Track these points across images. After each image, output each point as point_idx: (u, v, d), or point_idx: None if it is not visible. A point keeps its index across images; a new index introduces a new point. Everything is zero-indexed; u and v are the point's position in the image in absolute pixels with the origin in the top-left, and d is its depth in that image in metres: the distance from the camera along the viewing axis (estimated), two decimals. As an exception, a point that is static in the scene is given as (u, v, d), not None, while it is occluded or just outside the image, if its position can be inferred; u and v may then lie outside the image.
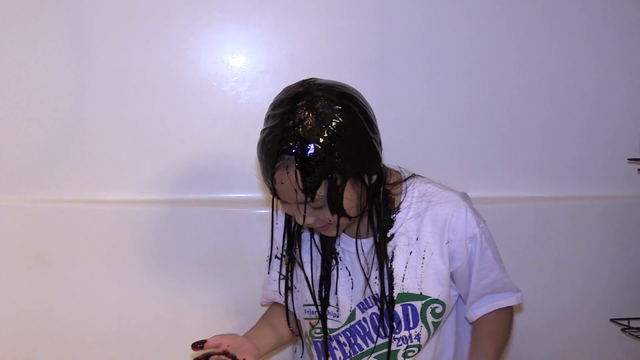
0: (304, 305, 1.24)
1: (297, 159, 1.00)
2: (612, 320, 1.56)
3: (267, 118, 1.07)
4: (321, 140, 1.01)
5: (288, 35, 1.53)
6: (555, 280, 1.56)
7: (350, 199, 1.07)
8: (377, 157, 1.08)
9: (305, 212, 1.05)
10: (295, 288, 1.25)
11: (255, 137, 1.50)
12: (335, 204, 1.05)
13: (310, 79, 1.09)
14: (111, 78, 1.51)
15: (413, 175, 1.21)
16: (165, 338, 1.50)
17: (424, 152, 1.57)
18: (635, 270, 1.59)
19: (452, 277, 1.22)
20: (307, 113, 1.02)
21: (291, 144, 1.01)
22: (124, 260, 1.51)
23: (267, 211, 1.49)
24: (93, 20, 1.49)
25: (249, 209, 1.51)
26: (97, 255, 1.50)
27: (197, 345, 1.15)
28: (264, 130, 1.06)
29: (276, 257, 1.30)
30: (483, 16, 1.55)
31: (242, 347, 1.18)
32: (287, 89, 1.08)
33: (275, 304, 1.35)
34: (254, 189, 1.55)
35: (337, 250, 1.20)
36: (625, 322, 1.54)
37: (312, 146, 1.00)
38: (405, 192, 1.18)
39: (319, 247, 1.20)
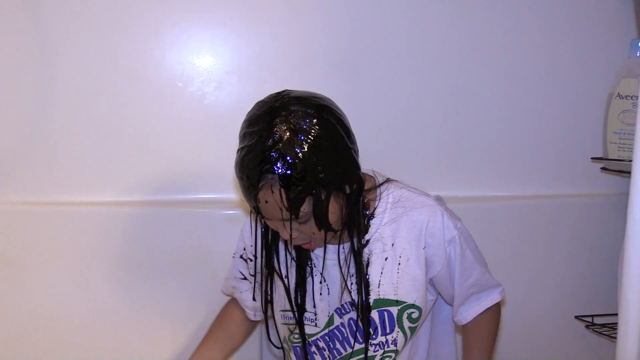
0: (282, 310, 1.23)
1: (280, 177, 0.99)
2: (577, 317, 1.59)
3: (244, 136, 1.04)
4: (302, 156, 1.00)
5: (255, 36, 1.52)
6: (520, 277, 1.58)
7: (334, 212, 1.07)
8: (357, 166, 1.09)
9: (291, 229, 1.04)
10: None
11: (222, 137, 1.52)
12: (321, 219, 1.04)
13: (284, 91, 1.07)
14: (77, 79, 1.49)
15: (387, 180, 1.21)
16: (135, 339, 1.49)
17: (398, 152, 1.57)
18: (599, 268, 1.61)
19: (431, 282, 1.22)
20: (285, 129, 1.00)
21: (273, 162, 0.99)
22: (93, 262, 1.49)
23: (234, 212, 1.49)
24: (57, 21, 1.47)
25: (216, 209, 1.51)
26: (64, 258, 1.49)
27: None
28: (242, 149, 1.03)
29: (241, 257, 1.30)
30: (457, 15, 1.55)
31: None
32: (262, 105, 1.06)
33: (225, 310, 1.37)
34: (222, 190, 1.54)
35: (311, 257, 1.20)
36: (589, 319, 1.56)
37: (294, 163, 0.99)
38: (380, 198, 1.18)
39: (294, 254, 1.19)
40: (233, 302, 1.38)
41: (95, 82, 1.50)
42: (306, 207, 1.03)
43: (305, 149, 1.00)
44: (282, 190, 1.00)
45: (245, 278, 1.31)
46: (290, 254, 1.19)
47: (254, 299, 1.30)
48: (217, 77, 1.52)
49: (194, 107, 1.52)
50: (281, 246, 1.20)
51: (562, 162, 1.62)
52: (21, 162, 1.50)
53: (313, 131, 1.01)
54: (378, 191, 1.18)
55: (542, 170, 1.62)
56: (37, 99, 1.49)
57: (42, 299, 1.49)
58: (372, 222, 1.17)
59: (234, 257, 1.32)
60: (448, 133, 1.59)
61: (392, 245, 1.17)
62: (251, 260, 1.27)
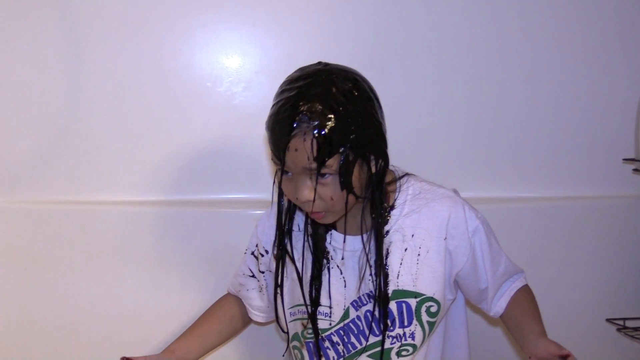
0: (295, 305, 1.23)
1: (314, 127, 1.01)
2: (608, 320, 1.57)
3: (282, 92, 1.06)
4: (338, 112, 1.02)
5: (283, 36, 1.53)
6: (550, 280, 1.56)
7: (357, 177, 1.08)
8: (385, 142, 1.10)
9: (317, 182, 1.05)
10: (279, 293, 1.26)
11: (250, 137, 1.53)
12: (345, 179, 1.05)
13: (322, 62, 1.10)
14: (106, 79, 1.50)
15: (406, 174, 1.22)
16: (161, 338, 1.50)
17: (421, 151, 1.57)
18: (631, 270, 1.59)
19: (455, 281, 1.22)
20: (324, 86, 1.03)
21: (310, 112, 1.01)
22: (119, 261, 1.50)
23: (262, 212, 1.49)
24: (87, 21, 1.49)
25: (244, 209, 1.51)
26: (92, 257, 1.50)
27: None
28: (278, 101, 1.05)
29: (252, 253, 1.30)
30: (481, 16, 1.55)
31: None
32: (302, 68, 1.09)
33: (217, 305, 1.37)
34: (250, 190, 1.55)
35: (327, 249, 1.20)
36: (621, 322, 1.54)
37: (330, 117, 1.01)
38: (400, 190, 1.19)
39: (311, 246, 1.20)
40: (228, 299, 1.38)
41: (125, 83, 1.51)
42: (333, 163, 1.04)
43: (342, 107, 1.02)
44: (314, 140, 1.01)
45: (253, 276, 1.31)
46: (310, 247, 1.19)
47: (259, 290, 1.31)
48: (245, 77, 1.52)
49: (222, 107, 1.53)
50: (299, 237, 1.20)
51: (593, 164, 1.60)
52: (48, 162, 1.52)
53: (350, 94, 1.04)
54: (398, 184, 1.19)
55: (572, 171, 1.60)
56: (66, 99, 1.51)
57: (69, 297, 1.51)
58: (392, 213, 1.17)
59: (245, 253, 1.33)
60: (473, 134, 1.58)
61: (412, 236, 1.17)
62: (262, 255, 1.28)
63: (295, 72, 1.09)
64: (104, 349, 1.51)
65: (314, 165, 1.03)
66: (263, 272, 1.30)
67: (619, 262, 1.59)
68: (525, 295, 1.25)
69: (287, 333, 1.25)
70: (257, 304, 1.34)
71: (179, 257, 1.50)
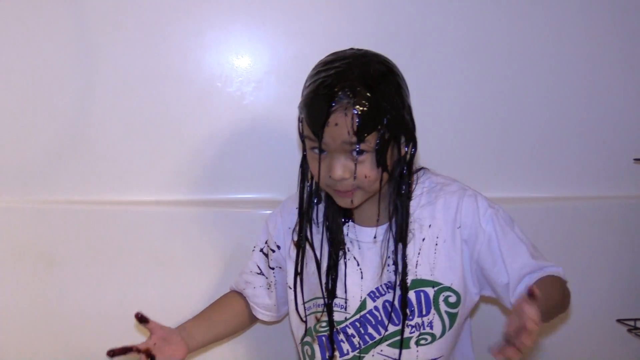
0: (308, 300, 1.24)
1: (356, 103, 1.04)
2: (618, 320, 1.56)
3: (318, 72, 1.09)
4: (377, 91, 1.05)
5: (293, 36, 1.53)
6: (561, 280, 1.56)
7: (389, 157, 1.10)
8: (414, 126, 1.13)
9: (357, 158, 1.07)
10: (290, 288, 1.26)
11: (261, 137, 1.53)
12: (382, 156, 1.08)
13: (353, 47, 1.15)
14: (116, 79, 1.51)
15: (422, 168, 1.26)
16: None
17: (425, 151, 1.55)
18: (642, 271, 1.59)
19: (479, 272, 1.20)
20: (364, 67, 1.07)
21: (351, 88, 1.04)
22: (129, 261, 1.51)
23: (270, 212, 1.48)
24: (99, 22, 1.49)
25: (254, 209, 1.51)
26: (103, 256, 1.50)
27: (142, 318, 1.18)
28: (315, 80, 1.08)
29: (261, 250, 1.31)
30: (488, 16, 1.54)
31: (171, 348, 1.21)
32: (336, 52, 1.13)
33: (228, 296, 1.38)
34: (260, 190, 1.55)
35: (344, 241, 1.21)
36: (632, 323, 1.54)
37: (370, 95, 1.05)
38: (417, 182, 1.22)
39: (328, 238, 1.21)
40: (233, 294, 1.38)
41: (135, 83, 1.51)
42: (371, 140, 1.06)
43: (379, 87, 1.06)
44: (355, 115, 1.04)
45: (261, 273, 1.32)
46: (328, 239, 1.20)
47: (267, 288, 1.31)
48: (256, 77, 1.53)
49: (232, 107, 1.53)
50: (316, 230, 1.21)
51: (604, 163, 1.60)
52: (61, 161, 1.52)
53: (386, 76, 1.08)
54: (415, 177, 1.22)
55: (583, 171, 1.60)
56: (78, 98, 1.51)
57: (81, 297, 1.51)
58: (410, 204, 1.18)
59: (253, 250, 1.34)
60: (489, 134, 1.58)
61: (429, 226, 1.19)
62: (274, 251, 1.29)
63: (329, 55, 1.13)
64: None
65: (354, 139, 1.05)
66: (273, 269, 1.31)
67: (630, 262, 1.59)
68: (550, 278, 1.15)
69: (306, 322, 1.25)
70: (264, 302, 1.34)
71: (189, 257, 1.51)
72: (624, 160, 1.59)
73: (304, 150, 1.15)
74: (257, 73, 1.53)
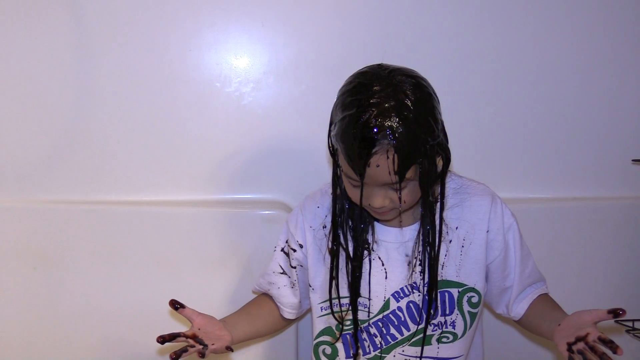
0: (327, 300, 1.23)
1: (396, 143, 1.02)
2: (617, 321, 1.56)
3: (350, 103, 1.05)
4: (415, 123, 1.03)
5: (292, 36, 1.53)
6: (558, 281, 1.55)
7: (429, 179, 1.10)
8: (447, 138, 1.13)
9: (400, 194, 1.07)
10: (312, 288, 1.26)
11: (259, 138, 1.53)
12: (426, 184, 1.08)
13: (382, 64, 1.10)
14: (115, 79, 1.51)
15: None
16: (169, 339, 1.50)
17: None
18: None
19: (487, 275, 1.24)
20: (398, 97, 1.03)
21: (391, 128, 1.02)
22: (129, 261, 1.51)
23: (271, 212, 1.49)
24: (97, 22, 1.49)
25: (253, 209, 1.51)
26: (101, 256, 1.50)
27: (176, 304, 1.15)
28: (351, 115, 1.04)
29: (282, 250, 1.31)
30: (493, 17, 1.54)
31: (215, 332, 1.18)
32: (366, 75, 1.08)
33: (262, 295, 1.37)
34: (259, 190, 1.55)
35: (369, 241, 1.21)
36: (630, 324, 1.53)
37: (409, 130, 1.02)
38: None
39: (352, 238, 1.21)
40: (262, 295, 1.38)
41: (134, 83, 1.51)
42: (411, 174, 1.06)
43: (417, 119, 1.03)
44: (396, 155, 1.03)
45: (284, 272, 1.31)
46: (352, 239, 1.20)
47: (291, 287, 1.31)
48: (254, 77, 1.53)
49: (231, 108, 1.53)
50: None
51: (603, 164, 1.60)
52: (61, 161, 1.53)
53: (420, 102, 1.05)
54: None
55: (582, 172, 1.60)
56: (75, 100, 1.51)
57: (79, 296, 1.51)
58: (436, 205, 1.19)
59: (274, 251, 1.33)
60: (487, 135, 1.58)
61: (456, 228, 1.20)
62: (295, 250, 1.28)
63: (358, 77, 1.09)
64: (113, 348, 1.52)
65: (395, 178, 1.05)
66: (294, 268, 1.30)
67: (629, 263, 1.58)
68: (548, 297, 1.27)
69: (342, 323, 1.24)
70: (289, 300, 1.33)
71: (189, 257, 1.51)
72: (623, 161, 1.59)
73: (337, 170, 1.14)
74: (256, 73, 1.53)
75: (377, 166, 1.04)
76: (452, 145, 1.54)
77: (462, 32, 1.54)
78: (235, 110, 1.53)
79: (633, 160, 1.56)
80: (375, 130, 1.02)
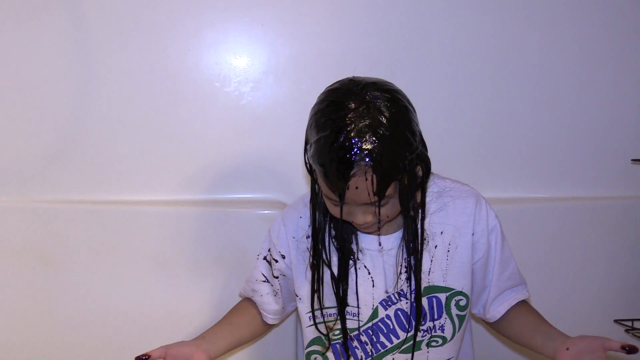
0: (323, 308, 1.22)
1: (374, 164, 0.99)
2: (616, 321, 1.56)
3: (324, 123, 1.02)
4: (392, 140, 1.00)
5: (292, 36, 1.53)
6: (558, 281, 1.56)
7: (409, 191, 1.08)
8: (426, 147, 1.10)
9: (379, 213, 1.05)
10: (299, 298, 1.25)
11: (258, 137, 1.53)
12: (404, 201, 1.06)
13: (354, 77, 1.07)
14: (114, 79, 1.51)
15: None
16: (167, 338, 1.50)
17: (430, 152, 1.55)
18: (639, 271, 1.58)
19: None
20: (373, 114, 1.00)
21: (367, 150, 0.99)
22: (127, 261, 1.51)
23: (270, 212, 1.49)
24: (96, 22, 1.49)
25: (252, 209, 1.51)
26: (100, 256, 1.51)
27: (142, 358, 1.15)
28: (325, 137, 1.01)
29: (264, 258, 1.30)
30: (493, 17, 1.54)
31: (189, 357, 1.19)
32: (337, 92, 1.04)
33: (245, 301, 1.36)
34: (257, 190, 1.55)
35: (353, 250, 1.19)
36: (629, 323, 1.54)
37: (386, 148, 1.00)
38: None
39: (337, 248, 1.19)
40: (246, 300, 1.37)
41: (133, 83, 1.51)
42: (391, 191, 1.04)
43: (393, 135, 1.00)
44: (375, 175, 1.00)
45: (266, 280, 1.30)
46: (337, 248, 1.18)
47: (274, 295, 1.30)
48: (254, 77, 1.53)
49: (230, 107, 1.53)
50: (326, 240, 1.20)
51: (602, 164, 1.60)
52: (58, 162, 1.53)
53: (396, 116, 1.01)
54: None
55: (580, 171, 1.60)
56: (74, 99, 1.51)
57: (78, 296, 1.51)
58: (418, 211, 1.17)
59: (257, 258, 1.31)
60: (483, 134, 1.58)
61: (441, 233, 1.18)
62: (277, 261, 1.27)
63: (329, 95, 1.05)
64: (112, 348, 1.52)
65: (375, 199, 1.03)
66: (277, 277, 1.29)
67: (628, 262, 1.58)
68: (529, 306, 1.26)
69: (327, 332, 1.23)
70: (272, 308, 1.32)
71: (186, 257, 1.51)
72: (622, 161, 1.59)
73: (315, 187, 1.13)
74: (255, 73, 1.53)
75: (356, 188, 1.02)
76: (451, 145, 1.57)
77: (462, 33, 1.54)
78: (235, 110, 1.53)
79: (632, 160, 1.56)
80: (352, 151, 0.99)
